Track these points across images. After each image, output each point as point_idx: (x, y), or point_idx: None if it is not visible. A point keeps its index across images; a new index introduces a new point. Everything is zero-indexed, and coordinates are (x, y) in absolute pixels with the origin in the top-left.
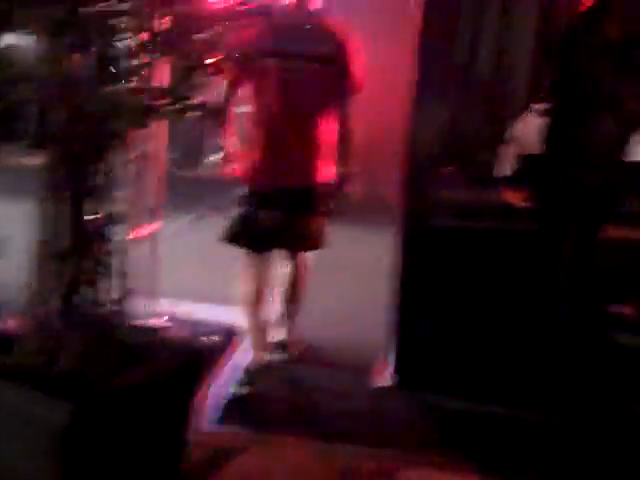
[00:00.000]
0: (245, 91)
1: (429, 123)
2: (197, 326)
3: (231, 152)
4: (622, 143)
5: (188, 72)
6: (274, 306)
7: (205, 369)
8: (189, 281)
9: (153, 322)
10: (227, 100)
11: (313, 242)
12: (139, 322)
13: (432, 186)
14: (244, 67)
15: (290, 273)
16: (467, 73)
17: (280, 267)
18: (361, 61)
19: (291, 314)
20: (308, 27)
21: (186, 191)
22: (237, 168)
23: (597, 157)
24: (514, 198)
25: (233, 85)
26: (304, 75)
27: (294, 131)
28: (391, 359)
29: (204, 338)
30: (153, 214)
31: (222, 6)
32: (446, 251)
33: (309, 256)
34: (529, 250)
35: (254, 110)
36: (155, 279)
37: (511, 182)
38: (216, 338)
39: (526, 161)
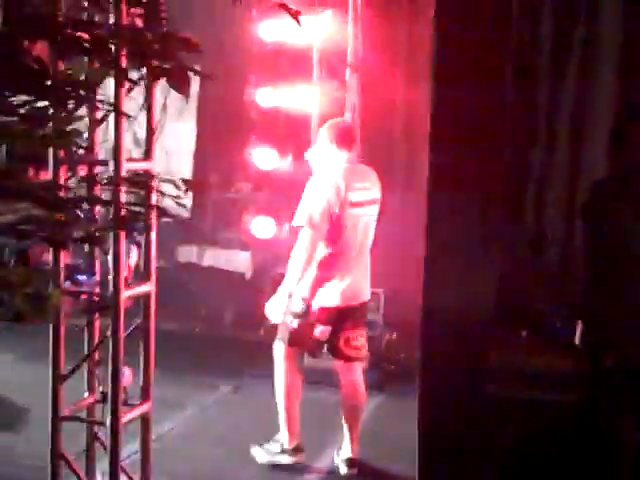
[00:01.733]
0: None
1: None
2: None
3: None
4: None
5: None
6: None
7: None
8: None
9: None
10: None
11: (360, 353)
12: None
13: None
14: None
15: (345, 385)
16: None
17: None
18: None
19: (351, 428)
20: (366, 176)
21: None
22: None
23: None
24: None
25: (322, 238)
26: (369, 217)
27: (359, 260)
28: None
29: None
30: (144, 394)
31: None
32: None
33: (358, 371)
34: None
35: (329, 247)
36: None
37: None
38: None
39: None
